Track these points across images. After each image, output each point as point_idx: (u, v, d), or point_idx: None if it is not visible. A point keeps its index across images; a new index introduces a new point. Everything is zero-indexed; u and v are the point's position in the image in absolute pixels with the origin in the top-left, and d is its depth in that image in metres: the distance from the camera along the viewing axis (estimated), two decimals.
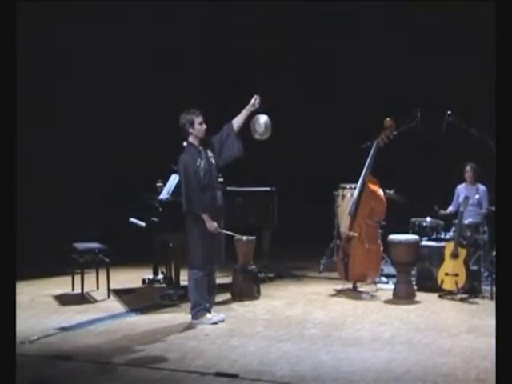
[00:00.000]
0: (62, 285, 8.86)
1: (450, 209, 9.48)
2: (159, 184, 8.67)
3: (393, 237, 8.40)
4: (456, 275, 8.10)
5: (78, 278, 8.30)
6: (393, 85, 11.42)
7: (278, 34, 12.22)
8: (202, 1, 11.71)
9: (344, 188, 9.57)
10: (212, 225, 6.86)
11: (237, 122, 7.11)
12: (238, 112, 7.13)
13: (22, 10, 5.67)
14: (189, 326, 6.88)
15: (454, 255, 8.16)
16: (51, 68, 11.05)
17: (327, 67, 12.13)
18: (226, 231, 7.14)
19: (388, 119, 8.71)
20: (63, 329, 6.80)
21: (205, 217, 6.83)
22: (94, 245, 8.50)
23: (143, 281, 9.18)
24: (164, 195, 8.28)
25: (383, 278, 9.14)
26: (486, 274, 8.73)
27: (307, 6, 11.87)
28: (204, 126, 7.00)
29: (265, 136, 7.22)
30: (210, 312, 7.06)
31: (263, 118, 7.19)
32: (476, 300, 8.03)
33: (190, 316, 7.04)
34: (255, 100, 7.09)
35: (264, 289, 8.55)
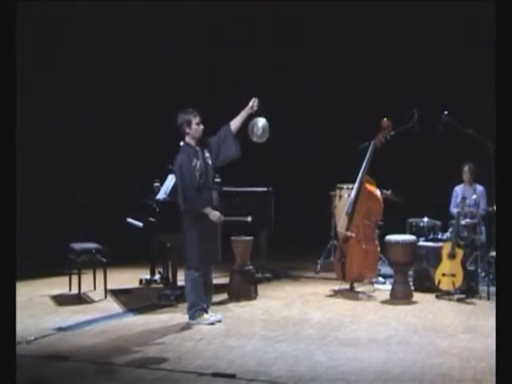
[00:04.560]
0: (59, 285, 8.85)
1: (452, 210, 9.48)
2: (156, 184, 8.67)
3: (390, 237, 8.41)
4: (453, 275, 8.10)
5: (75, 279, 8.30)
6: (390, 85, 11.42)
7: (277, 34, 12.22)
8: (202, 1, 11.70)
9: (341, 188, 9.58)
10: (215, 214, 6.89)
11: (234, 123, 7.11)
12: (236, 113, 7.14)
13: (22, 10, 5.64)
14: (186, 327, 6.88)
15: (451, 255, 8.16)
16: (48, 68, 11.03)
17: (325, 67, 12.14)
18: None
19: (385, 119, 8.73)
20: (60, 329, 6.79)
21: (206, 210, 6.86)
22: (91, 245, 8.49)
23: (140, 281, 9.18)
24: (161, 195, 8.28)
25: (380, 279, 9.14)
26: (483, 274, 8.75)
27: (306, 6, 11.87)
28: (201, 127, 7.01)
29: (262, 139, 7.24)
30: (207, 312, 7.06)
31: (261, 121, 7.20)
32: (473, 300, 8.03)
33: (187, 316, 7.04)
34: (253, 103, 7.09)
35: (261, 289, 8.55)
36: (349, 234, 8.58)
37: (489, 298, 7.98)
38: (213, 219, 6.89)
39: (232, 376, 5.29)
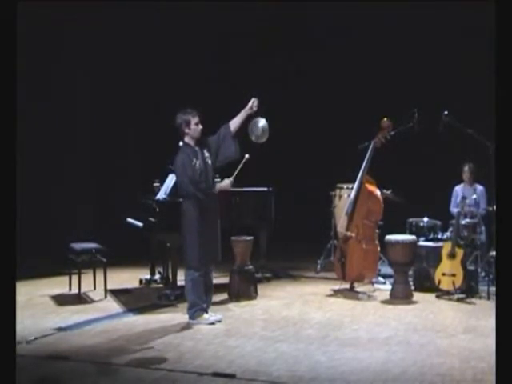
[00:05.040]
0: (59, 285, 8.85)
1: (452, 210, 9.49)
2: (156, 184, 8.67)
3: (390, 237, 8.41)
4: (453, 275, 8.10)
5: (75, 278, 8.30)
6: (390, 85, 11.43)
7: (277, 34, 12.23)
8: (201, 1, 11.70)
9: (341, 188, 9.60)
10: (226, 183, 7.03)
11: (234, 123, 7.12)
12: (235, 113, 7.14)
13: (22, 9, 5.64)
14: (186, 327, 6.88)
15: (451, 255, 8.16)
16: (48, 69, 11.03)
17: (325, 67, 12.13)
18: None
19: (385, 119, 8.72)
20: (60, 329, 6.80)
21: (218, 188, 6.98)
22: (91, 245, 8.49)
23: (140, 281, 9.18)
24: (161, 195, 8.28)
25: (380, 279, 9.14)
26: (483, 274, 8.74)
27: (306, 6, 11.88)
28: (200, 127, 7.01)
29: (262, 139, 7.25)
30: (207, 312, 7.06)
31: (261, 122, 7.21)
32: (473, 300, 8.03)
33: (187, 316, 7.04)
34: (253, 103, 7.09)
35: (261, 289, 8.55)
36: (349, 233, 8.58)
37: (489, 298, 7.97)
38: (228, 188, 7.05)
39: (232, 376, 5.29)
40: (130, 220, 8.81)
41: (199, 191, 6.84)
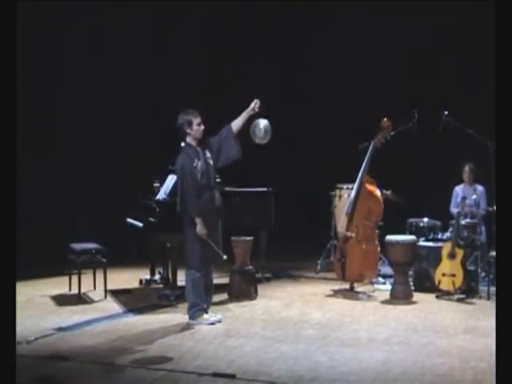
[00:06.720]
0: (59, 285, 8.85)
1: (452, 210, 9.48)
2: (156, 184, 8.67)
3: (390, 237, 8.41)
4: (453, 275, 8.10)
5: (75, 279, 8.30)
6: (390, 85, 11.42)
7: (278, 35, 12.23)
8: (202, 1, 11.70)
9: (341, 188, 9.59)
10: (202, 230, 6.82)
11: (236, 124, 7.11)
12: (237, 114, 7.13)
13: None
14: (186, 327, 6.88)
15: (451, 255, 8.16)
16: (48, 67, 11.02)
17: (325, 67, 12.13)
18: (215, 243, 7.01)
19: (385, 120, 8.72)
20: (60, 329, 6.80)
21: (198, 220, 6.83)
22: (91, 245, 8.48)
23: (140, 281, 9.18)
24: (161, 195, 8.28)
25: (380, 279, 9.14)
26: (483, 274, 8.74)
27: (307, 7, 11.88)
28: (202, 127, 7.01)
29: (264, 140, 7.23)
30: (207, 312, 7.06)
31: (263, 123, 7.20)
32: (473, 300, 8.03)
33: (187, 316, 7.04)
34: (255, 104, 7.09)
35: (261, 289, 8.54)
36: (349, 234, 8.58)
37: (489, 298, 7.98)
38: (198, 231, 6.83)
39: (232, 376, 5.29)
40: (129, 220, 8.81)
41: (194, 206, 6.83)
